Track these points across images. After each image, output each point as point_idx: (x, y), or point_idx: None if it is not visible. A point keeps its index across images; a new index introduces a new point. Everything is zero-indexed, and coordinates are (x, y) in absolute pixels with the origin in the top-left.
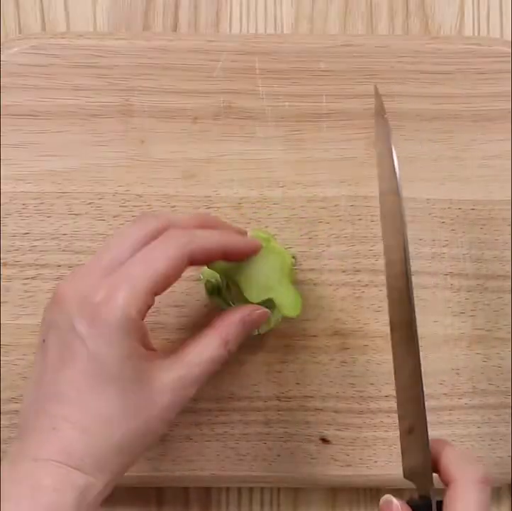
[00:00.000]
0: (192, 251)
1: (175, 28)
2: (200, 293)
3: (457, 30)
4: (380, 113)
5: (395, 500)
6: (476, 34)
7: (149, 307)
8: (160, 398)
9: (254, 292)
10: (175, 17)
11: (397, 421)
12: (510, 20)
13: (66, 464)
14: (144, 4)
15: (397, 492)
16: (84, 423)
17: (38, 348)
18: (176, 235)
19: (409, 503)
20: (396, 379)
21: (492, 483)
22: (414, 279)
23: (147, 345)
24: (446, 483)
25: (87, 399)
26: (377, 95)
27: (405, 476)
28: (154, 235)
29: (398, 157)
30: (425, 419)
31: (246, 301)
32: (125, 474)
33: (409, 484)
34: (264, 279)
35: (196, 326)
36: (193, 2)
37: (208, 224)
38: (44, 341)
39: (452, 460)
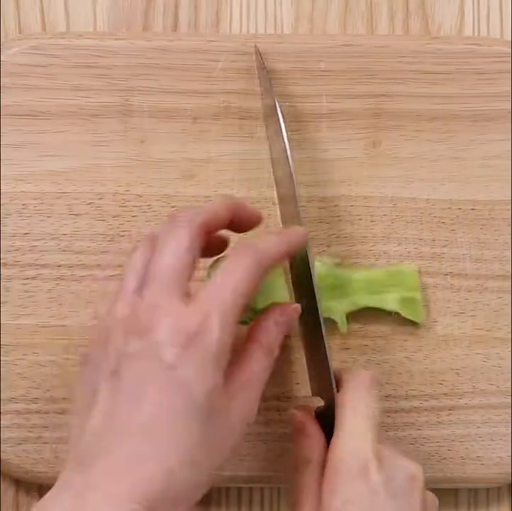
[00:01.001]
0: (265, 263)
1: (175, 28)
2: None
3: (457, 30)
4: (260, 68)
5: (298, 411)
6: (476, 34)
7: (234, 330)
8: (236, 428)
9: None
10: (175, 17)
11: (397, 421)
12: (511, 20)
13: (145, 508)
14: (144, 4)
15: None
16: (170, 463)
17: (98, 377)
18: (248, 249)
19: (316, 411)
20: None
21: (378, 382)
22: None
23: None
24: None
25: (173, 434)
26: (257, 53)
27: (313, 394)
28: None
29: (398, 157)
30: (324, 343)
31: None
32: None
33: None
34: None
35: None
36: (193, 2)
37: (238, 211)
38: (114, 372)
39: (343, 370)
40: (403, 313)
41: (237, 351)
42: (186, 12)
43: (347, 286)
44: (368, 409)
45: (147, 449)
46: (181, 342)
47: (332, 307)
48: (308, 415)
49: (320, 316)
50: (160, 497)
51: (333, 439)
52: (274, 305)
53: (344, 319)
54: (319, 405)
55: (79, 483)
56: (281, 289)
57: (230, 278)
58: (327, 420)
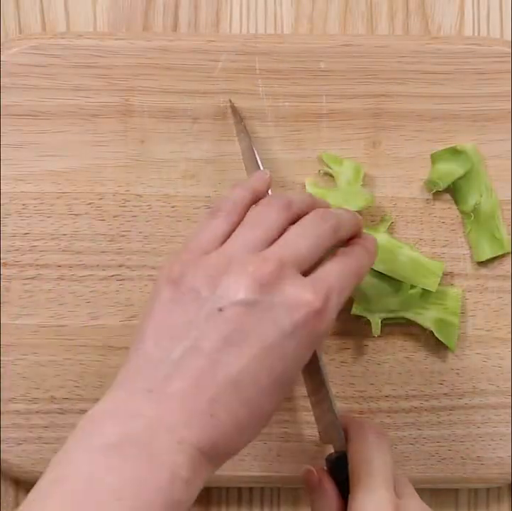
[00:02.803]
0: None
1: (175, 28)
2: None
3: (457, 30)
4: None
5: (313, 468)
6: (476, 34)
7: None
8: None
9: None
10: (175, 17)
11: (397, 421)
12: (511, 20)
13: (208, 457)
14: (144, 4)
15: None
16: (243, 420)
17: (200, 311)
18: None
19: (327, 460)
20: None
21: (386, 435)
22: None
23: None
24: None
25: (257, 396)
26: (234, 110)
27: (322, 441)
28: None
29: (398, 157)
30: (328, 389)
31: None
32: None
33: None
34: None
35: None
36: (193, 2)
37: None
38: (221, 309)
39: (350, 421)
40: (437, 334)
41: None
42: (186, 12)
43: (391, 294)
44: (382, 463)
45: (229, 401)
46: (301, 317)
47: (372, 308)
48: (322, 472)
49: (322, 368)
50: (224, 450)
51: (351, 501)
52: None
53: (379, 325)
54: (330, 455)
55: (152, 417)
56: None
57: (351, 263)
58: (339, 469)
